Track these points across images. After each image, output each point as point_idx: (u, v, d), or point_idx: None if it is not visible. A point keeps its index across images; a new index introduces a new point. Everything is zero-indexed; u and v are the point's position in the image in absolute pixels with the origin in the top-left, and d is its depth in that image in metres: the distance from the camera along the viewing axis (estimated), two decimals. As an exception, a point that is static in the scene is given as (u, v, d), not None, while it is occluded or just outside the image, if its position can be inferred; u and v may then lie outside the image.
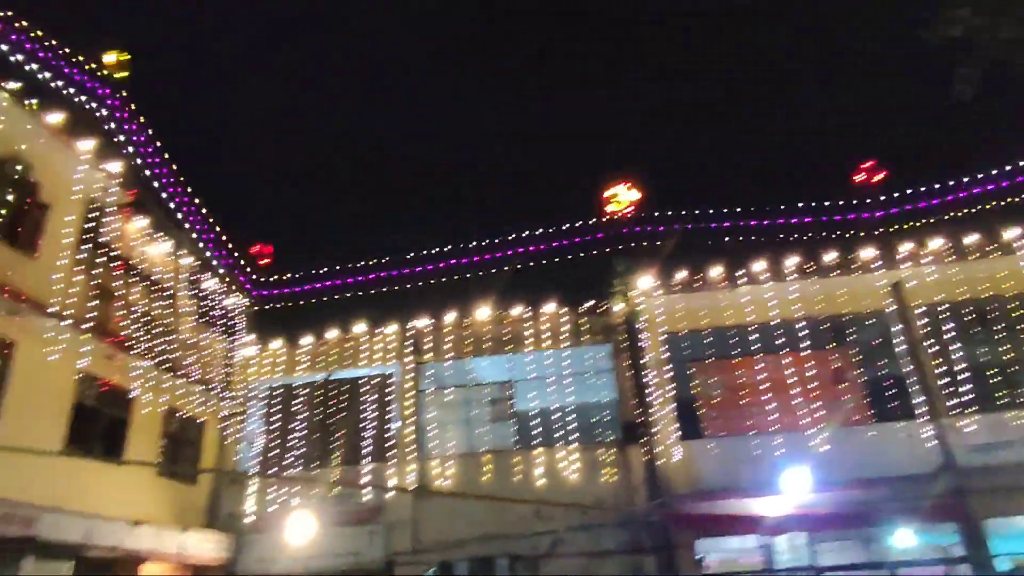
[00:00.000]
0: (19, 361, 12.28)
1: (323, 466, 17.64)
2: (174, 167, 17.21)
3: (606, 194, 19.31)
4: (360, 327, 18.54)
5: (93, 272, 14.13)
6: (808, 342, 16.49)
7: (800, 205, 17.14)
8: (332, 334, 18.63)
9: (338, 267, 18.48)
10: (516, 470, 16.82)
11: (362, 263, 18.16)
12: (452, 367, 18.17)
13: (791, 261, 16.91)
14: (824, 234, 17.04)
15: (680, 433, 16.13)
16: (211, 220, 17.95)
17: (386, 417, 17.92)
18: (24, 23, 13.01)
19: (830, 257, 16.78)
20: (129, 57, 16.70)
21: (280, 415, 18.43)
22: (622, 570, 15.36)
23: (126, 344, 14.52)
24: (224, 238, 18.47)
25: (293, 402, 18.48)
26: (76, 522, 12.17)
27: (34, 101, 12.84)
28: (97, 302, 13.99)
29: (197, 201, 17.50)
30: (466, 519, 15.87)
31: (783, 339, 16.57)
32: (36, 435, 12.18)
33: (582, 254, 18.27)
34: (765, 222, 16.66)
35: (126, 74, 16.66)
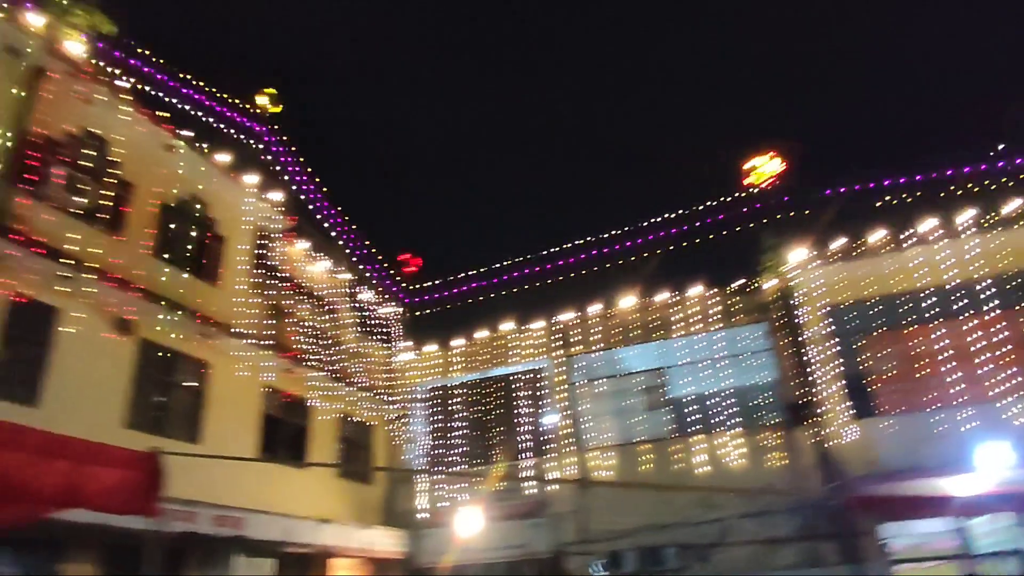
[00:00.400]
0: (214, 379, 13.71)
1: (485, 462, 18.25)
2: (324, 190, 18.43)
3: (746, 166, 18.44)
4: (508, 325, 18.98)
5: (266, 294, 15.48)
6: (995, 302, 14.91)
7: (970, 153, 15.48)
8: (482, 334, 19.23)
9: (483, 268, 19.01)
10: (675, 458, 16.53)
11: (507, 262, 18.56)
12: (601, 358, 18.17)
13: (966, 216, 15.36)
14: (1005, 181, 15.26)
15: (853, 411, 15.14)
16: (362, 236, 19.08)
17: (541, 412, 18.24)
18: (190, 76, 14.48)
19: (1012, 206, 15.07)
20: (277, 93, 18.09)
21: (441, 415, 19.28)
22: (798, 558, 14.66)
23: (300, 358, 15.78)
24: (375, 252, 19.57)
25: (451, 402, 19.27)
26: (276, 522, 13.39)
27: (205, 145, 14.25)
28: (272, 321, 15.32)
29: (348, 220, 18.66)
30: (631, 509, 15.79)
31: (964, 302, 15.09)
32: (234, 445, 13.53)
33: (726, 232, 17.58)
34: (932, 175, 15.18)
35: (278, 109, 18.06)
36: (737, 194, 18.55)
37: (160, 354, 12.75)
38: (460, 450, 18.63)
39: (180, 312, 12.71)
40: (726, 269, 17.84)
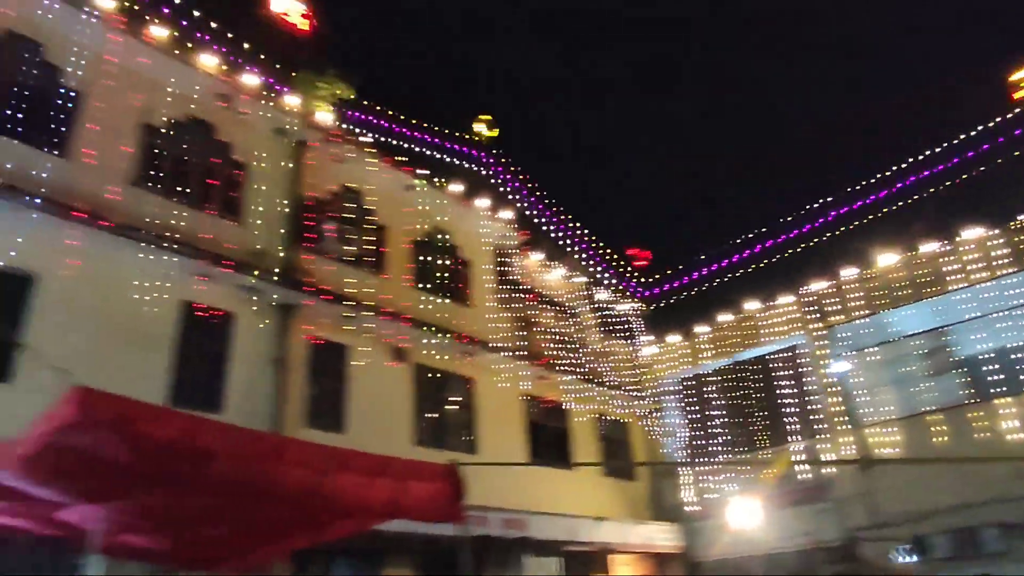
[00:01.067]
0: (479, 394, 14.70)
1: (751, 449, 17.46)
2: (548, 200, 18.99)
3: (1014, 78, 15.73)
4: (753, 304, 18.05)
5: (513, 307, 16.31)
6: None
7: None
8: (727, 318, 18.50)
9: (715, 252, 18.30)
10: (977, 426, 14.47)
11: (739, 239, 17.67)
12: (868, 325, 16.52)
13: None
14: None
15: None
16: (590, 239, 19.34)
17: (805, 390, 17.04)
18: (415, 120, 15.81)
19: None
20: (491, 118, 19.08)
21: (696, 405, 18.83)
22: None
23: (552, 364, 16.37)
24: (604, 252, 19.72)
25: (706, 390, 18.74)
26: (556, 522, 13.97)
27: (440, 179, 15.43)
28: (522, 332, 16.08)
29: (574, 225, 19.03)
30: (929, 488, 14.10)
31: None
32: (505, 452, 14.37)
33: (1000, 159, 15.10)
34: None
35: (495, 133, 19.04)
36: (1006, 115, 15.91)
37: (432, 375, 13.97)
38: (722, 439, 18.02)
39: (443, 335, 13.84)
40: (1006, 204, 15.34)
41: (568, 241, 18.61)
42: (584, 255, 19.08)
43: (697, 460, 18.39)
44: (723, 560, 16.30)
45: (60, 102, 10.12)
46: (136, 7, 11.04)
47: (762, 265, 17.82)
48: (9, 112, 9.51)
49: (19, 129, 9.56)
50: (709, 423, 18.34)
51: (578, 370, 17.10)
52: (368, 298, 12.79)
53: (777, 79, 58.01)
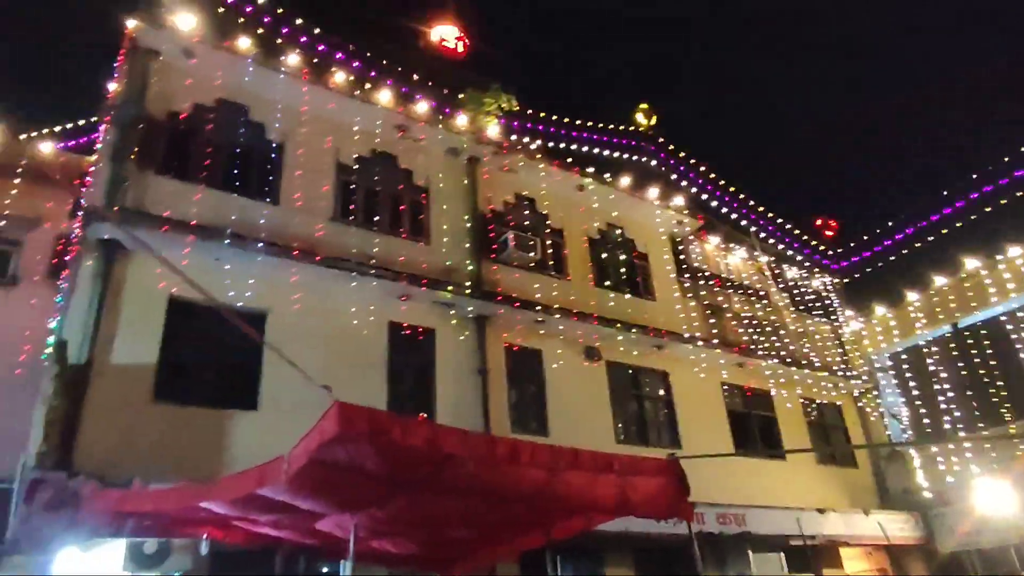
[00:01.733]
0: (676, 385, 14.30)
1: (993, 424, 15.44)
2: (712, 177, 18.20)
3: None
4: (973, 262, 16.03)
5: (699, 295, 15.75)
6: None
7: None
8: (941, 281, 16.60)
9: (914, 213, 16.51)
10: None
11: (946, 191, 15.78)
12: None
13: None
14: None
15: None
16: (770, 214, 18.27)
17: (1054, 353, 14.82)
18: (579, 121, 15.85)
19: None
20: (649, 106, 18.69)
21: (917, 380, 17.04)
22: None
23: (749, 350, 15.58)
24: (787, 226, 18.54)
25: (926, 363, 16.91)
26: (775, 515, 13.22)
27: (607, 175, 15.30)
28: (712, 320, 15.47)
29: (751, 203, 18.08)
30: None
31: None
32: (708, 444, 13.81)
33: None
34: None
35: (654, 121, 18.62)
36: None
37: (626, 372, 13.81)
38: (955, 415, 16.11)
39: (631, 330, 13.64)
40: None
41: (747, 220, 17.72)
42: (766, 232, 18.06)
43: (925, 440, 16.61)
44: (969, 551, 14.54)
45: (267, 154, 11.24)
46: (316, 59, 12.02)
47: (967, 221, 15.80)
48: (229, 170, 10.69)
49: (237, 183, 10.71)
50: (936, 399, 16.48)
51: (778, 354, 16.14)
52: (555, 301, 12.91)
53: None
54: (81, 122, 13.70)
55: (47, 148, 13.10)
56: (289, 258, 10.11)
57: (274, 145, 11.36)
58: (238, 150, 11.02)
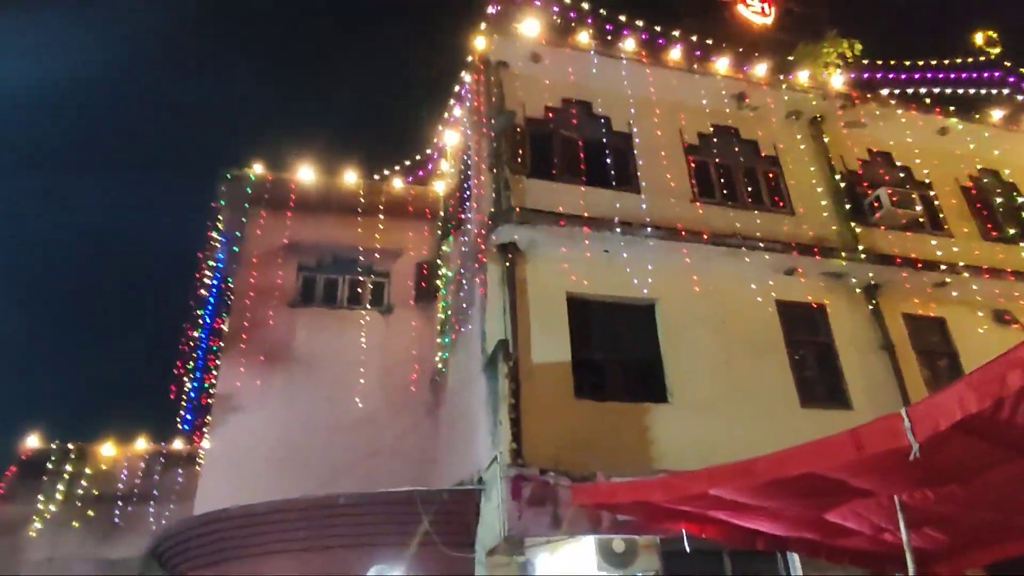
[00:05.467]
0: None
1: None
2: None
3: None
4: None
5: None
6: None
7: None
8: None
9: None
10: None
11: None
12: None
13: None
14: None
15: None
16: None
17: None
18: (920, 62, 13.78)
19: None
20: (993, 33, 15.90)
21: None
22: None
23: None
24: None
25: None
26: None
27: (976, 113, 13.06)
28: None
29: None
30: None
31: None
32: None
33: None
34: None
35: (999, 48, 15.80)
36: None
37: (1050, 336, 11.39)
38: None
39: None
40: None
41: None
42: None
43: None
44: None
45: (618, 145, 10.94)
46: (650, 39, 11.57)
47: None
48: (587, 166, 10.52)
49: (598, 177, 10.48)
50: None
51: None
52: (956, 259, 11.03)
53: None
54: (418, 157, 14.62)
55: (398, 184, 14.20)
56: (677, 240, 9.57)
57: (622, 135, 11.04)
58: (591, 145, 10.83)
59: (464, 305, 10.38)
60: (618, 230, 9.30)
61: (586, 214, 9.39)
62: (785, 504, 5.92)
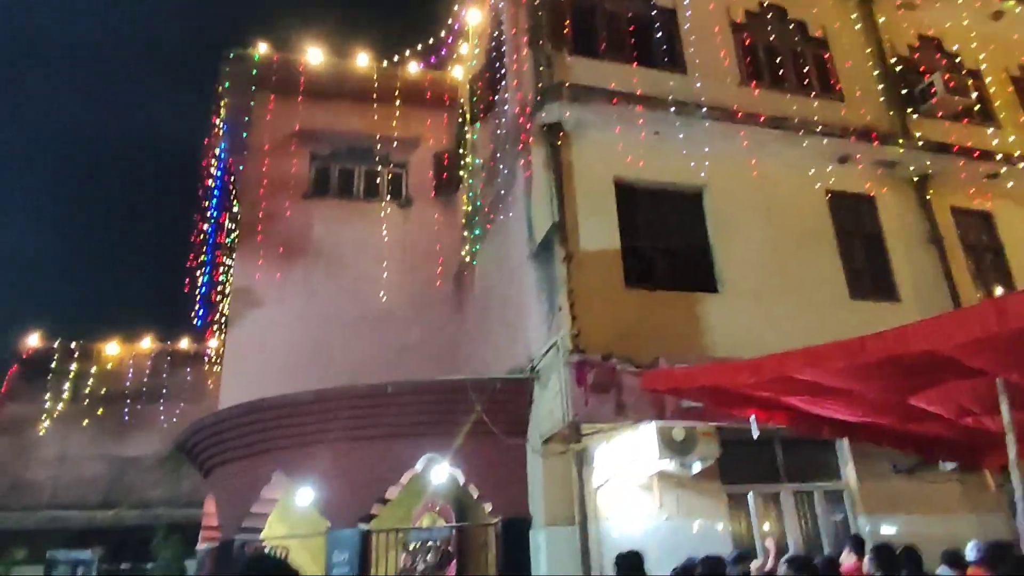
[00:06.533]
0: None
1: None
2: None
3: None
4: None
5: None
6: None
7: None
8: None
9: None
10: None
11: None
12: None
13: None
14: None
15: None
16: None
17: None
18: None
19: None
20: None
21: None
22: None
23: None
24: None
25: None
26: None
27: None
28: None
29: None
30: None
31: None
32: None
33: None
34: None
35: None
36: None
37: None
38: None
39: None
40: None
41: None
42: None
43: None
44: None
45: (660, 21, 10.13)
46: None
47: None
48: (629, 43, 9.76)
49: (642, 55, 9.74)
50: None
51: None
52: (1013, 149, 10.58)
53: None
54: (431, 40, 13.61)
55: (413, 68, 13.29)
56: (733, 122, 8.99)
57: (667, 10, 10.20)
58: (636, 21, 10.03)
59: (502, 191, 9.80)
60: (672, 109, 8.67)
61: (639, 92, 8.73)
62: (873, 387, 5.68)
